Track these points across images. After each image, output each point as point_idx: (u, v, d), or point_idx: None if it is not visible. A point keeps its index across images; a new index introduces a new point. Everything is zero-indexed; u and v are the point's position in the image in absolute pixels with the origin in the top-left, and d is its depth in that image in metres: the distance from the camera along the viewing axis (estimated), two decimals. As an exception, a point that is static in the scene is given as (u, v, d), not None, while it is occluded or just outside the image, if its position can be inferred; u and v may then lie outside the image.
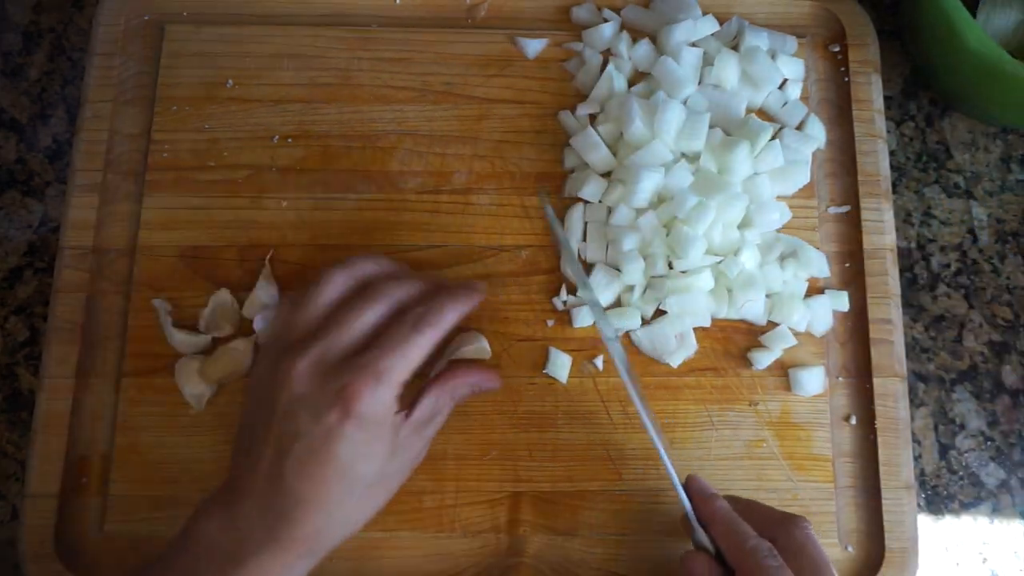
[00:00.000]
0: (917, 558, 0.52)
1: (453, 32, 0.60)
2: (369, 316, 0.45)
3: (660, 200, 0.55)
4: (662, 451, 0.46)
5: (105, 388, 0.53)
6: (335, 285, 0.46)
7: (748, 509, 0.46)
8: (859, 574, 0.52)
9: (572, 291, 0.55)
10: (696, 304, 0.53)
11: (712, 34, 0.59)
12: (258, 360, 0.48)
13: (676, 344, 0.54)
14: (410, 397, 0.46)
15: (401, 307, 0.46)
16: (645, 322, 0.55)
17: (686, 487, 0.47)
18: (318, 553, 0.44)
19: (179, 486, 0.52)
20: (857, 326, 0.56)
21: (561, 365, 0.54)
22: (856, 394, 0.55)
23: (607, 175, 0.57)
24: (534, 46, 0.60)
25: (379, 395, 0.43)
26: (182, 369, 0.53)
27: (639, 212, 0.54)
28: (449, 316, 0.46)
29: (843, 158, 0.59)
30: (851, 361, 0.55)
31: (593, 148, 0.56)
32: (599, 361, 0.54)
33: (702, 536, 0.45)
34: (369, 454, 0.43)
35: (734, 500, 0.47)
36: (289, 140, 0.58)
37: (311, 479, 0.42)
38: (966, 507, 0.56)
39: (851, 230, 0.57)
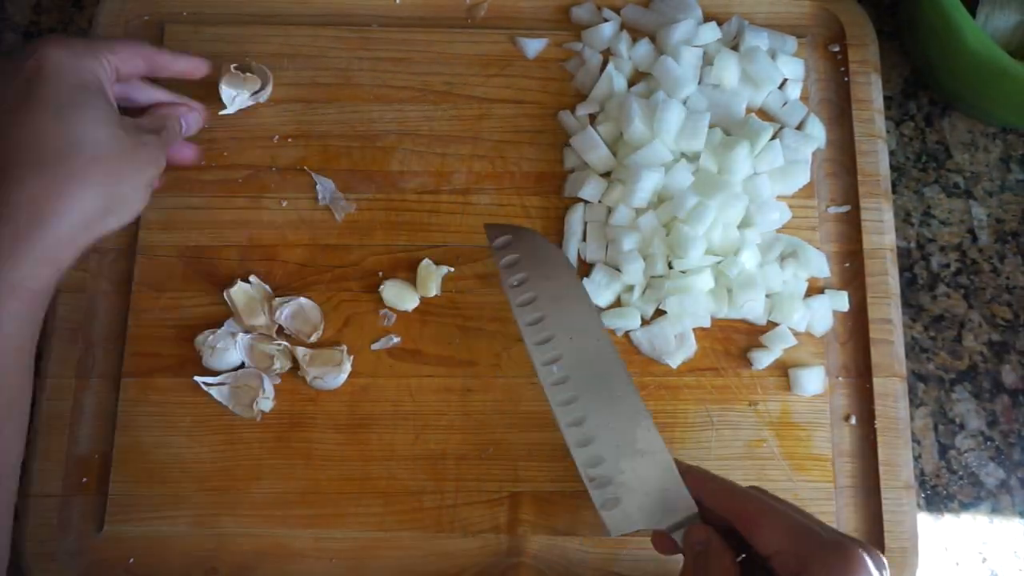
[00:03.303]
0: (917, 558, 0.52)
1: (453, 32, 0.60)
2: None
3: (660, 200, 0.55)
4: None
5: (105, 388, 0.53)
6: None
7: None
8: (859, 574, 0.52)
9: (572, 291, 0.55)
10: (696, 304, 0.53)
11: (712, 34, 0.59)
12: None
13: (676, 344, 0.54)
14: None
15: None
16: (645, 322, 0.55)
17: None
18: (52, 228, 0.41)
19: (179, 486, 0.52)
20: (857, 326, 0.56)
21: None
22: (856, 394, 0.55)
23: (607, 175, 0.57)
24: (534, 46, 0.60)
25: (77, 50, 0.43)
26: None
27: (639, 212, 0.54)
28: (159, 56, 0.50)
29: (843, 158, 0.59)
30: (851, 361, 0.55)
31: (593, 148, 0.56)
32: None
33: (694, 506, 0.45)
34: (83, 103, 0.42)
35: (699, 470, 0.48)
36: (289, 140, 0.58)
37: (21, 131, 0.41)
38: (966, 507, 0.56)
39: (851, 230, 0.57)
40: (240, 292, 0.54)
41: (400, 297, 0.54)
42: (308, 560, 0.51)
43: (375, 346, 0.54)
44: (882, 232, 0.57)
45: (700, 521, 0.45)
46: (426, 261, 0.55)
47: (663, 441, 0.47)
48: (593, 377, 0.47)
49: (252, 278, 0.54)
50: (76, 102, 0.42)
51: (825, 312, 0.55)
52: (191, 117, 0.53)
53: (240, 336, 0.53)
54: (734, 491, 0.44)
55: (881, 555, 0.41)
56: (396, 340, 0.54)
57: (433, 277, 0.54)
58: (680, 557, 0.45)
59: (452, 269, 0.55)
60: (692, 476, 0.46)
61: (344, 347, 0.53)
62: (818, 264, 0.55)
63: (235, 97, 0.56)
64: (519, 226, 0.51)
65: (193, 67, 0.53)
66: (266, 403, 0.52)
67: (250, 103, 0.57)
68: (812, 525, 0.41)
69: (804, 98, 0.59)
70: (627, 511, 0.46)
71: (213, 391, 0.52)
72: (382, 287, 0.54)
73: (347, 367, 0.53)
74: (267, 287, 0.54)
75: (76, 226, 0.42)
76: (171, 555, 0.51)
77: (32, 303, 0.42)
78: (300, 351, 0.53)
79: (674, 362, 0.54)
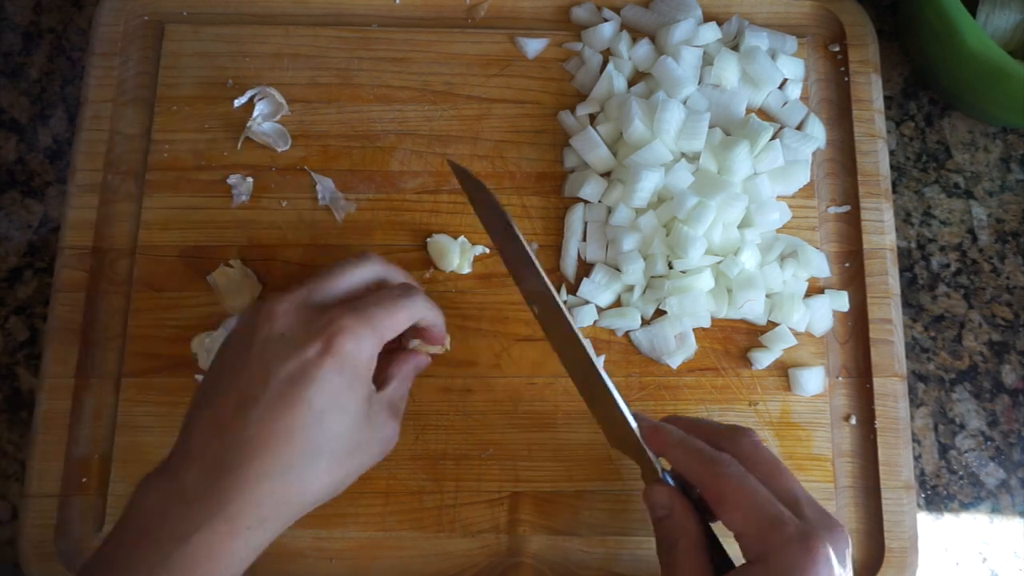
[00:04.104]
0: (917, 558, 0.52)
1: (453, 32, 0.60)
2: (356, 272, 0.44)
3: (660, 200, 0.55)
4: (610, 383, 0.45)
5: (105, 388, 0.53)
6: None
7: (695, 427, 0.45)
8: (859, 574, 0.52)
9: (572, 291, 0.55)
10: (696, 304, 0.53)
11: (712, 34, 0.59)
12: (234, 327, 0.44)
13: (676, 344, 0.54)
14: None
15: (383, 283, 0.45)
16: (645, 322, 0.55)
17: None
18: (271, 527, 0.39)
19: (179, 486, 0.52)
20: (857, 326, 0.56)
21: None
22: (856, 394, 0.55)
23: (607, 175, 0.57)
24: (534, 46, 0.60)
25: (364, 340, 0.40)
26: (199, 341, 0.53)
27: (639, 212, 0.54)
28: (422, 302, 0.45)
29: (843, 158, 0.59)
30: (851, 361, 0.55)
31: (593, 148, 0.56)
32: (600, 361, 0.54)
33: (658, 465, 0.44)
34: (342, 409, 0.40)
35: (676, 420, 0.47)
36: (289, 140, 0.58)
37: (275, 425, 0.38)
38: (966, 507, 0.56)
39: (851, 230, 0.57)
40: (222, 275, 0.54)
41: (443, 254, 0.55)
42: (308, 560, 0.51)
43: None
44: (882, 232, 0.57)
45: (662, 480, 0.44)
46: (462, 239, 0.55)
47: (621, 401, 0.45)
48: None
49: (233, 261, 0.55)
50: (337, 407, 0.40)
51: (825, 312, 0.55)
52: (424, 362, 0.49)
53: None
54: (704, 462, 0.42)
55: (841, 527, 0.40)
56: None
57: (467, 255, 0.55)
58: None
59: (487, 250, 0.56)
60: (658, 439, 0.44)
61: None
62: (818, 264, 0.55)
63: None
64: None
65: (441, 328, 0.48)
66: None
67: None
68: (779, 511, 0.39)
69: (804, 98, 0.59)
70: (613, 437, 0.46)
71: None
72: (429, 239, 0.55)
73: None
74: (250, 271, 0.55)
75: (283, 525, 0.40)
76: (171, 555, 0.51)
77: None
78: None
79: (674, 362, 0.54)
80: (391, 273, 0.46)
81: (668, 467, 0.45)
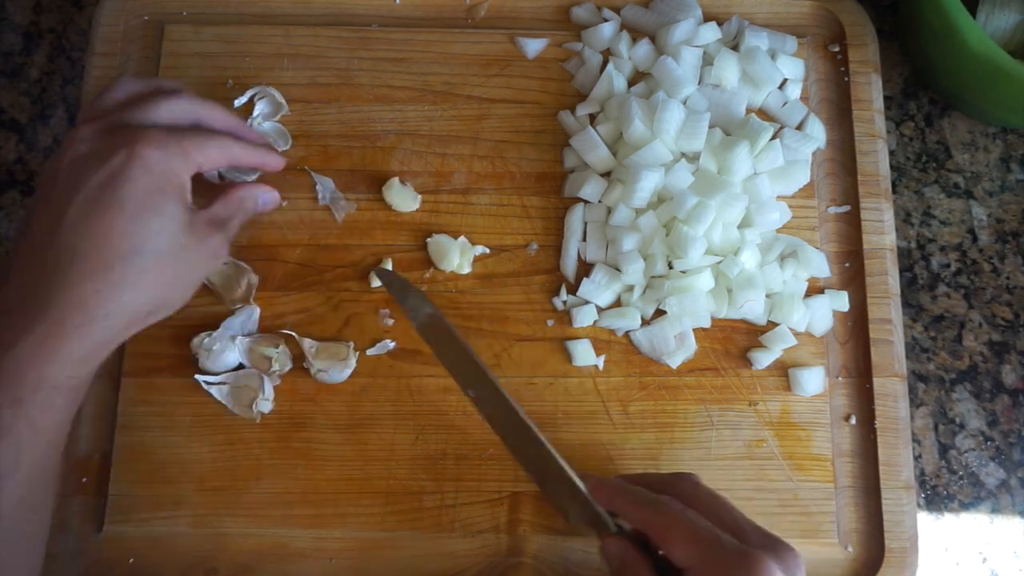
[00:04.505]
0: (917, 558, 0.52)
1: (453, 32, 0.60)
2: (167, 106, 0.44)
3: (660, 200, 0.55)
4: (553, 451, 0.46)
5: (105, 388, 0.53)
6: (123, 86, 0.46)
7: (639, 479, 0.47)
8: (859, 574, 0.52)
9: (572, 291, 0.55)
10: (696, 304, 0.53)
11: (712, 34, 0.59)
12: None
13: (676, 344, 0.54)
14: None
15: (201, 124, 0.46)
16: (645, 322, 0.55)
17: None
18: (107, 325, 0.41)
19: (179, 486, 0.52)
20: (857, 326, 0.56)
21: (584, 351, 0.54)
22: (856, 394, 0.55)
23: (607, 175, 0.57)
24: (534, 46, 0.60)
25: (169, 149, 0.42)
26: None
27: (639, 212, 0.54)
28: (240, 153, 0.46)
29: (843, 158, 0.59)
30: (851, 361, 0.55)
31: (593, 148, 0.56)
32: (600, 361, 0.54)
33: (610, 522, 0.45)
34: (156, 210, 0.41)
35: (622, 477, 0.48)
36: (289, 140, 0.58)
37: (89, 227, 0.39)
38: (966, 507, 0.56)
39: (851, 230, 0.57)
40: (217, 272, 0.54)
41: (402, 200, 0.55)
42: (308, 560, 0.51)
43: (371, 351, 0.54)
44: (882, 232, 0.57)
45: (614, 532, 0.45)
46: (462, 239, 0.55)
47: (563, 462, 0.46)
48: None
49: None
50: (150, 207, 0.41)
51: (825, 312, 0.55)
52: (267, 196, 0.52)
53: (239, 338, 0.53)
54: (644, 504, 0.43)
55: (793, 551, 0.41)
56: (392, 345, 0.54)
57: (467, 255, 0.55)
58: None
59: (487, 250, 0.56)
60: (603, 492, 0.45)
61: (351, 342, 0.53)
62: (818, 264, 0.55)
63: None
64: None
65: (273, 163, 0.51)
66: (265, 404, 0.52)
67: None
68: (718, 535, 0.40)
69: (804, 98, 0.59)
70: (569, 512, 0.47)
71: (213, 390, 0.52)
72: (429, 239, 0.55)
73: (352, 362, 0.53)
74: (243, 263, 0.55)
75: (119, 328, 0.42)
76: (171, 555, 0.51)
77: (69, 398, 0.41)
78: (307, 343, 0.53)
79: (674, 362, 0.54)
80: (210, 113, 0.47)
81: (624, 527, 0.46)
